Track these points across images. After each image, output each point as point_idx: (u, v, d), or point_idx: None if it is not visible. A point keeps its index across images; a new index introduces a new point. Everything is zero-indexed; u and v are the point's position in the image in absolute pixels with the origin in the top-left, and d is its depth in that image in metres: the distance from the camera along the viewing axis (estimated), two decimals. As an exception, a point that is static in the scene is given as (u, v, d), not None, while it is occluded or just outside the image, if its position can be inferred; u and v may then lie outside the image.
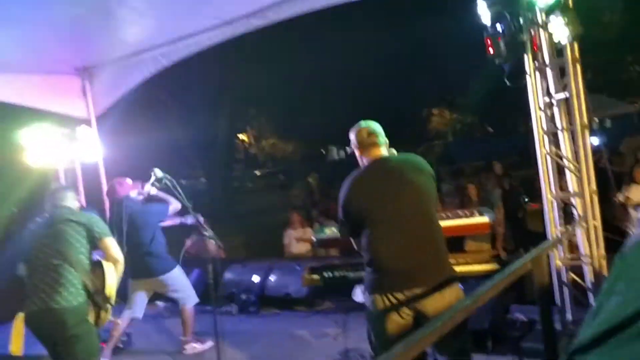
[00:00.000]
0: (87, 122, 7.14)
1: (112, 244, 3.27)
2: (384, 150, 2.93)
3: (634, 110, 16.00)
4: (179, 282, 4.86)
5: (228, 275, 6.51)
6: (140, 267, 4.61)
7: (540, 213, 9.19)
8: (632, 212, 6.12)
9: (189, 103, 18.67)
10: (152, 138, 14.62)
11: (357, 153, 2.99)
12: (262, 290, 6.18)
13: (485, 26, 4.10)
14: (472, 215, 3.90)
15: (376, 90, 20.80)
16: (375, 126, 2.98)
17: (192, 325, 4.93)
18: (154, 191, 4.66)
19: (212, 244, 8.60)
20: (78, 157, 7.05)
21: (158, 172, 3.85)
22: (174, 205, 4.71)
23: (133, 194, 4.73)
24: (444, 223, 3.93)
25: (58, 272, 3.07)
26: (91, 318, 3.16)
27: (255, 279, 6.22)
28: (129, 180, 4.80)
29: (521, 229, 8.92)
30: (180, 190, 3.87)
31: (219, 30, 5.95)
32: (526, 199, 9.56)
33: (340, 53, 19.25)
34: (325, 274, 4.03)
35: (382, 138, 2.94)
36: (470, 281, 3.93)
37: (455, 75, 19.86)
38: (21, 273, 4.63)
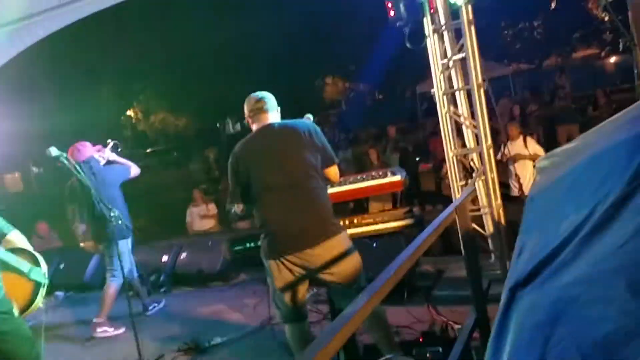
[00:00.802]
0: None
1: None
2: (272, 116, 3.02)
3: (509, 73, 17.39)
4: (126, 254, 4.67)
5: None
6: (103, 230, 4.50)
7: (430, 173, 9.82)
8: (510, 167, 6.70)
9: (65, 81, 17.19)
10: (26, 120, 13.31)
11: (249, 122, 3.07)
12: (173, 269, 5.97)
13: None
14: (385, 175, 4.03)
15: (271, 61, 20.54)
16: (265, 94, 3.06)
17: (109, 306, 4.76)
18: (113, 156, 4.87)
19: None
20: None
21: (53, 151, 3.51)
22: (134, 168, 4.91)
23: (96, 155, 4.79)
24: (360, 184, 4.06)
25: None
26: (16, 309, 2.83)
27: (164, 258, 5.99)
28: (88, 144, 4.84)
29: (415, 188, 9.43)
30: (80, 169, 3.58)
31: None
32: (417, 160, 10.16)
33: (233, 23, 18.71)
34: (247, 245, 3.98)
35: (271, 105, 3.02)
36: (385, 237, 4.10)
37: (347, 45, 20.16)
38: None
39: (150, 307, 5.15)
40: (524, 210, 2.36)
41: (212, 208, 8.36)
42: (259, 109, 2.98)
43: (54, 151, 3.51)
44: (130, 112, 26.51)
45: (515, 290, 1.48)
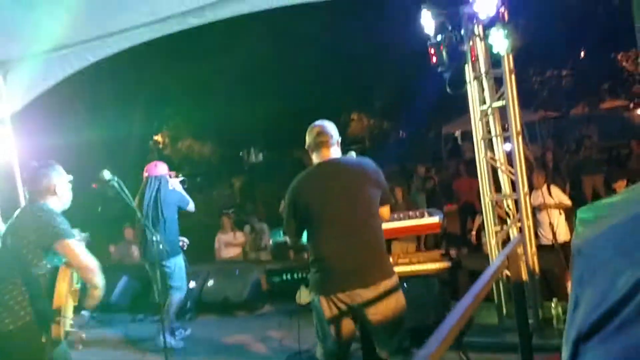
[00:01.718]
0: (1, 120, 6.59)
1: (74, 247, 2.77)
2: (334, 151, 2.99)
3: (536, 119, 17.42)
4: (177, 271, 5.03)
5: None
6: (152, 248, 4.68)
7: (455, 214, 9.76)
8: (537, 215, 6.62)
9: (101, 102, 17.67)
10: (65, 139, 13.70)
11: (309, 152, 3.06)
12: (199, 296, 6.01)
13: (428, 36, 4.31)
14: (422, 216, 4.06)
15: (298, 94, 20.93)
16: (328, 126, 3.02)
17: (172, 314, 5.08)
18: (179, 187, 5.24)
19: (136, 250, 8.30)
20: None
21: (106, 174, 3.64)
22: (192, 204, 5.27)
23: (168, 177, 5.21)
24: (396, 224, 4.08)
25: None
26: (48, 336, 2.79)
27: (192, 284, 6.04)
28: (164, 164, 5.32)
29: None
30: (127, 193, 3.69)
31: (153, 26, 5.72)
32: (443, 201, 10.16)
33: (261, 56, 19.15)
34: (284, 277, 4.01)
35: (334, 139, 2.99)
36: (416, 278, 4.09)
37: (375, 82, 20.45)
38: None
39: (177, 332, 5.18)
40: (572, 261, 2.38)
41: (240, 236, 8.43)
42: (324, 142, 2.94)
43: (107, 174, 3.62)
44: (157, 137, 27.03)
45: (579, 344, 1.49)
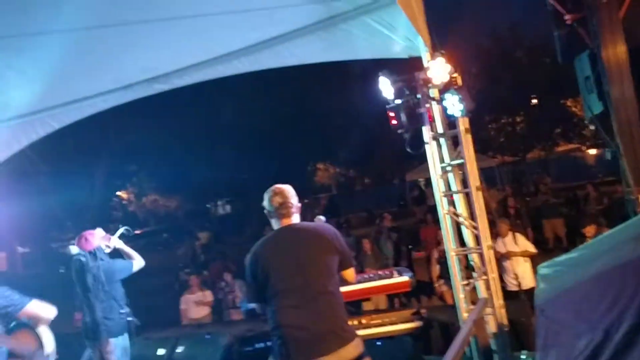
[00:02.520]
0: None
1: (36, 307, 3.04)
2: (294, 218, 3.05)
3: (494, 164, 18.05)
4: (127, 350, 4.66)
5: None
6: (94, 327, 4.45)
7: (423, 261, 9.86)
8: (503, 263, 6.78)
9: (65, 161, 17.41)
10: (29, 201, 13.38)
11: (268, 217, 3.10)
12: (169, 364, 5.83)
13: (386, 100, 4.52)
14: (392, 275, 4.14)
15: (264, 144, 21.13)
16: (288, 194, 3.06)
17: None
18: (120, 244, 4.65)
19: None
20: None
21: (73, 249, 3.61)
22: (138, 260, 4.66)
23: (103, 245, 4.57)
24: (367, 285, 4.14)
25: None
26: None
27: (161, 352, 5.87)
28: (99, 231, 4.63)
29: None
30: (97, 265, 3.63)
31: (118, 93, 5.79)
32: (410, 248, 10.28)
33: (226, 110, 19.39)
34: (256, 345, 3.97)
35: (294, 207, 3.05)
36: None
37: (339, 132, 20.91)
38: None
39: None
40: (536, 322, 2.48)
41: (209, 295, 8.27)
42: (283, 208, 3.00)
43: (73, 249, 3.59)
44: (121, 194, 26.63)
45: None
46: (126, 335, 4.72)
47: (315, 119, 19.93)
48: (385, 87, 4.42)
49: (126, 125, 17.81)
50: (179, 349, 5.91)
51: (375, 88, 4.60)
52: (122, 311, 3.93)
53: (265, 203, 3.07)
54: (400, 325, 3.97)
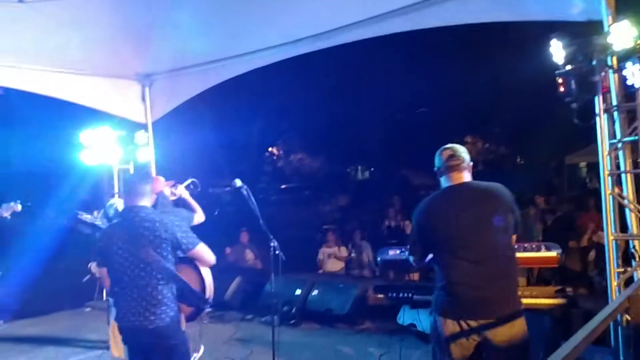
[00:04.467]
0: (144, 126, 7.43)
1: (204, 250, 3.24)
2: (465, 174, 2.87)
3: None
4: None
5: (268, 286, 6.61)
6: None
7: (576, 251, 9.09)
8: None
9: (226, 115, 19.03)
10: (193, 146, 14.99)
11: (437, 176, 2.97)
12: (304, 304, 6.27)
13: (556, 65, 4.20)
14: (539, 249, 3.94)
15: (410, 114, 20.90)
16: (459, 149, 2.91)
17: None
18: (186, 194, 4.37)
19: (250, 254, 8.76)
20: (133, 159, 7.37)
21: (238, 182, 3.96)
22: (199, 214, 4.31)
23: (166, 192, 4.31)
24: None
25: (148, 291, 2.97)
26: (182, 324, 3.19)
27: (298, 292, 6.31)
28: (162, 179, 4.41)
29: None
30: (253, 201, 3.96)
31: (284, 47, 6.14)
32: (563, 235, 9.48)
33: (374, 79, 19.45)
34: (390, 294, 4.11)
35: (465, 162, 2.88)
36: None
37: (493, 106, 19.84)
38: (93, 271, 4.79)
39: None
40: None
41: (343, 251, 8.63)
42: (455, 166, 2.84)
43: (238, 182, 3.94)
44: (272, 149, 28.40)
45: None
46: None
47: (470, 89, 19.10)
48: (557, 51, 4.11)
49: (283, 85, 18.81)
50: (314, 292, 6.30)
51: (539, 57, 4.31)
52: (272, 244, 4.12)
53: (436, 160, 2.94)
54: (541, 300, 3.77)
